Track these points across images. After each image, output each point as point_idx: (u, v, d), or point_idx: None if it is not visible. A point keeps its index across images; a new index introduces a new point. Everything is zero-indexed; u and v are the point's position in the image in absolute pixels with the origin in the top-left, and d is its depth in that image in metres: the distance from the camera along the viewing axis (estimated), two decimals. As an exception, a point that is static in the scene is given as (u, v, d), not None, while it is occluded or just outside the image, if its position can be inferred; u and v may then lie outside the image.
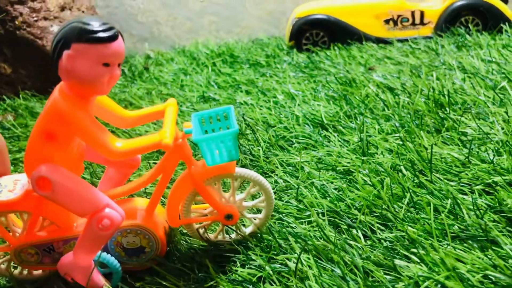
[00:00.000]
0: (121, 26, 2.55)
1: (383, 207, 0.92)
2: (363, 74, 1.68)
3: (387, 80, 1.57)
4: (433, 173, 1.03)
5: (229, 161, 0.82)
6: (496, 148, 1.07)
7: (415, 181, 1.00)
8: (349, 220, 0.91)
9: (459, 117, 1.24)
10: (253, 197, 1.03)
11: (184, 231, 0.95)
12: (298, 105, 1.48)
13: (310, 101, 1.50)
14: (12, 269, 0.89)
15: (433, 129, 1.23)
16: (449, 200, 0.90)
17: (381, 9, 2.12)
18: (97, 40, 0.71)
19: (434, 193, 0.95)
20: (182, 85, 1.88)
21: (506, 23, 2.04)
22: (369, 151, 1.15)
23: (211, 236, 0.91)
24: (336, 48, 2.10)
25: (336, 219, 0.93)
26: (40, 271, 0.90)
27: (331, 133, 1.28)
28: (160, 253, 0.87)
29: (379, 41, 2.12)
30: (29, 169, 0.78)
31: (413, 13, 2.11)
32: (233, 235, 0.91)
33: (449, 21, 2.08)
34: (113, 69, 0.73)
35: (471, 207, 0.89)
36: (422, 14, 2.11)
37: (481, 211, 0.87)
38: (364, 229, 0.88)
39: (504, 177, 0.94)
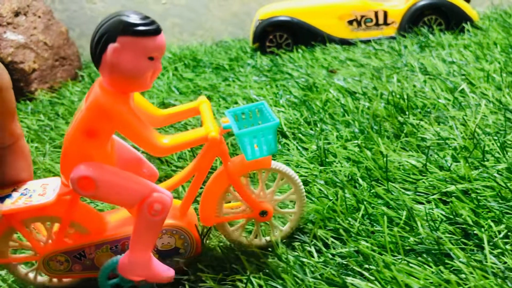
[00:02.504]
0: (81, 30, 2.49)
1: (337, 220, 0.90)
2: (325, 78, 1.65)
3: (349, 84, 1.55)
4: (390, 181, 1.01)
5: (269, 155, 0.81)
6: (454, 154, 1.05)
7: (371, 191, 0.98)
8: (302, 236, 0.88)
9: (419, 121, 1.23)
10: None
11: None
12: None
13: (271, 107, 1.47)
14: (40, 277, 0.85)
15: (392, 134, 1.21)
16: (404, 211, 0.88)
17: (344, 10, 2.10)
18: (144, 33, 0.69)
19: (390, 204, 0.92)
20: (142, 92, 1.83)
21: (468, 23, 2.04)
22: (327, 160, 1.13)
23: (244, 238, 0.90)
24: (299, 50, 2.07)
25: (291, 235, 0.90)
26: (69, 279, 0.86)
27: (290, 140, 1.25)
28: (194, 254, 0.85)
29: (343, 42, 2.10)
30: (67, 170, 0.74)
31: (376, 14, 2.09)
32: (268, 238, 0.90)
33: (413, 21, 2.08)
34: (157, 63, 0.72)
35: (427, 218, 0.87)
36: (385, 14, 2.09)
37: (436, 222, 0.86)
38: (318, 244, 0.86)
39: (459, 186, 0.93)
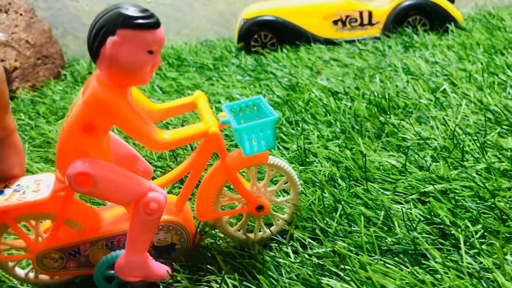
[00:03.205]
0: (65, 28, 2.47)
1: (315, 220, 0.89)
2: (308, 77, 1.65)
3: (332, 84, 1.55)
4: (370, 181, 1.00)
5: (267, 150, 0.80)
6: (434, 154, 1.05)
7: (350, 191, 0.97)
8: (279, 237, 0.87)
9: (400, 121, 1.22)
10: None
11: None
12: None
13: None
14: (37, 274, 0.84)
15: (374, 134, 1.20)
16: (383, 211, 0.88)
17: (329, 9, 2.10)
18: (144, 26, 0.67)
19: (368, 204, 0.92)
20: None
21: (452, 23, 2.04)
22: (307, 160, 1.12)
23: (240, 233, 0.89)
24: (284, 50, 2.07)
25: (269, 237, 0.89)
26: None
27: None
28: (190, 249, 0.85)
29: (327, 42, 2.10)
30: (63, 165, 0.72)
31: (361, 14, 2.09)
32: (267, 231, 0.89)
33: (397, 21, 2.08)
34: (156, 57, 0.70)
35: (405, 218, 0.86)
36: (370, 14, 2.09)
37: (414, 222, 0.85)
38: (295, 245, 0.85)
39: (438, 186, 0.92)
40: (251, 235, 0.88)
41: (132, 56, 0.68)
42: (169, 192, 1.05)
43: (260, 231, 0.89)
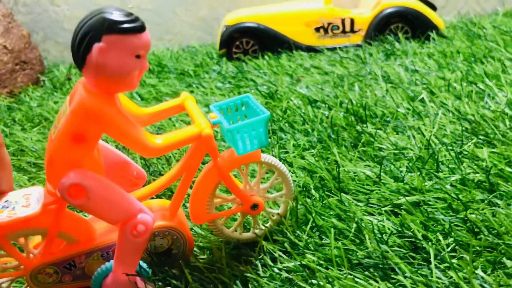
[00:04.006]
0: (45, 33, 2.44)
1: (286, 233, 0.87)
2: (288, 85, 1.64)
3: (311, 92, 1.54)
4: (344, 192, 0.99)
5: (259, 148, 0.80)
6: (409, 164, 1.04)
7: (324, 202, 0.96)
8: (249, 250, 0.86)
9: (376, 130, 1.21)
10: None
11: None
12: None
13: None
14: None
15: (350, 144, 1.19)
16: (354, 223, 0.86)
17: (311, 16, 2.09)
18: (130, 30, 0.65)
19: (341, 216, 0.90)
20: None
21: (434, 31, 2.04)
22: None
23: (235, 233, 0.89)
24: (266, 57, 2.06)
25: (239, 249, 0.88)
26: None
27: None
28: (187, 253, 0.84)
29: (309, 49, 2.09)
30: (55, 178, 0.70)
31: (343, 21, 2.08)
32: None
33: (379, 29, 2.07)
34: (143, 61, 0.68)
35: (376, 231, 0.85)
36: (352, 21, 2.09)
37: (386, 235, 0.84)
38: (265, 258, 0.83)
39: (411, 198, 0.91)
40: (247, 234, 0.88)
41: (119, 62, 0.66)
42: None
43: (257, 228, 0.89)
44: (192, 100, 0.83)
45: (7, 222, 0.70)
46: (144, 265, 0.79)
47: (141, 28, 0.67)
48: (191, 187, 0.89)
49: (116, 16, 0.66)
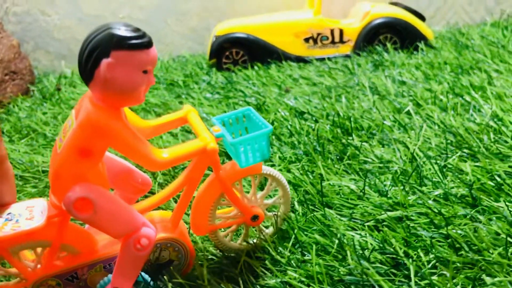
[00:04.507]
0: (36, 43, 2.43)
1: (268, 249, 0.87)
2: (276, 97, 1.64)
3: (299, 103, 1.54)
4: (328, 207, 0.99)
5: (261, 161, 0.82)
6: (394, 178, 1.04)
7: (307, 217, 0.96)
8: (230, 267, 0.85)
9: (362, 143, 1.22)
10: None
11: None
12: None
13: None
14: None
15: (336, 157, 1.20)
16: (337, 239, 0.87)
17: (300, 27, 2.10)
18: (138, 46, 0.66)
19: (324, 231, 0.91)
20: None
21: (422, 41, 2.06)
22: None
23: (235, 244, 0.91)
24: (255, 67, 2.06)
25: (220, 266, 0.87)
26: None
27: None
28: (188, 265, 0.85)
29: (299, 60, 2.10)
30: (60, 191, 0.71)
31: (332, 31, 2.09)
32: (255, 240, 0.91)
33: (368, 39, 2.08)
34: (150, 76, 0.69)
35: (358, 246, 0.85)
36: (341, 32, 2.10)
37: (368, 251, 0.84)
38: (247, 275, 0.83)
39: (393, 213, 0.92)
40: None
41: (127, 77, 0.67)
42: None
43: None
44: (195, 113, 0.84)
45: (11, 235, 0.70)
46: (146, 276, 0.80)
47: (148, 44, 0.67)
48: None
49: (124, 32, 0.66)
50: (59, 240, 0.75)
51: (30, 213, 0.74)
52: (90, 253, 0.79)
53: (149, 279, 0.81)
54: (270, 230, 0.92)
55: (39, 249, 0.77)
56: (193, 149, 0.76)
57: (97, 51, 0.66)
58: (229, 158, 1.23)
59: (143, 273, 0.81)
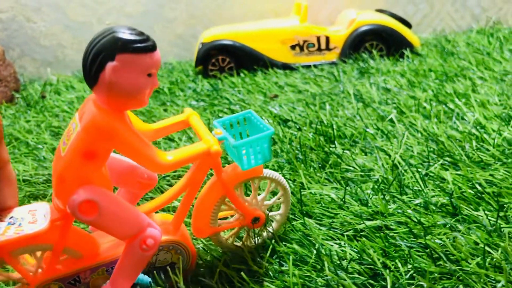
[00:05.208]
0: (22, 50, 2.42)
1: (245, 259, 0.86)
2: (261, 104, 1.63)
3: (283, 111, 1.54)
4: (308, 216, 0.98)
5: (263, 163, 0.82)
6: (375, 187, 1.04)
7: (287, 226, 0.95)
8: (207, 278, 0.84)
9: (344, 151, 1.21)
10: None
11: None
12: (190, 138, 1.42)
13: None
14: None
15: (318, 165, 1.19)
16: (315, 250, 0.86)
17: (287, 34, 2.09)
18: (143, 49, 0.66)
19: (302, 241, 0.90)
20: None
21: (408, 49, 2.06)
22: (249, 192, 1.10)
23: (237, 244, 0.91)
24: (241, 74, 2.05)
25: (196, 277, 0.86)
26: None
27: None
28: (190, 267, 0.85)
29: (285, 67, 2.09)
30: (64, 194, 0.70)
31: (318, 39, 2.09)
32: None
33: (354, 47, 2.08)
34: (154, 79, 0.69)
35: (336, 257, 0.84)
36: (327, 39, 2.10)
37: (346, 261, 0.83)
38: (224, 286, 0.82)
39: (373, 222, 0.91)
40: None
41: (132, 80, 0.67)
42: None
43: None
44: (197, 116, 0.85)
45: (15, 239, 0.70)
46: (145, 277, 0.80)
47: (153, 48, 0.68)
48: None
49: (129, 35, 0.66)
50: (62, 243, 0.75)
51: (32, 217, 0.73)
52: (92, 257, 0.79)
53: (149, 280, 0.81)
54: (274, 226, 0.93)
55: (38, 253, 0.77)
56: (197, 152, 0.76)
57: (102, 54, 0.66)
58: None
59: (142, 275, 0.81)
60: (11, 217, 0.74)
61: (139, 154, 0.70)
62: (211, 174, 0.84)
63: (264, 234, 0.92)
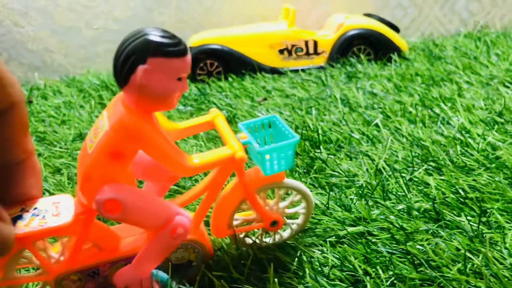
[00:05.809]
0: (10, 54, 2.40)
1: (227, 267, 0.86)
2: (248, 109, 1.63)
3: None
4: (291, 223, 0.98)
5: (286, 170, 0.83)
6: (359, 192, 1.04)
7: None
8: (187, 285, 0.84)
9: (329, 157, 1.21)
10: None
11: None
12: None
13: (188, 140, 1.44)
14: None
15: (303, 170, 1.19)
16: (296, 257, 0.85)
17: (275, 38, 2.09)
18: (175, 54, 0.65)
19: (284, 248, 0.89)
20: (63, 121, 1.76)
21: (396, 53, 2.07)
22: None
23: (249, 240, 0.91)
24: (229, 79, 2.05)
25: (179, 285, 0.86)
26: None
27: (200, 176, 1.21)
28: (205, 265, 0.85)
29: (273, 71, 2.09)
30: (90, 192, 0.70)
31: (306, 43, 2.09)
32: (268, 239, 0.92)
33: (342, 51, 2.09)
34: (184, 83, 0.69)
35: (317, 263, 0.84)
36: (315, 43, 2.10)
37: (327, 268, 0.83)
38: (204, 293, 0.82)
39: (356, 228, 0.91)
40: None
41: (162, 84, 0.66)
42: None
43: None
44: (222, 118, 0.85)
45: (38, 231, 0.70)
46: (164, 274, 0.80)
47: (184, 52, 0.67)
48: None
49: (161, 38, 0.65)
50: (84, 236, 0.75)
51: (56, 209, 0.73)
52: (113, 251, 0.79)
53: (166, 277, 0.80)
54: (287, 232, 0.93)
55: (64, 239, 0.77)
56: (222, 157, 0.76)
57: (134, 56, 0.65)
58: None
59: (161, 272, 0.81)
60: (35, 208, 0.74)
61: (166, 156, 0.70)
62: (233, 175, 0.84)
63: (277, 237, 0.93)
